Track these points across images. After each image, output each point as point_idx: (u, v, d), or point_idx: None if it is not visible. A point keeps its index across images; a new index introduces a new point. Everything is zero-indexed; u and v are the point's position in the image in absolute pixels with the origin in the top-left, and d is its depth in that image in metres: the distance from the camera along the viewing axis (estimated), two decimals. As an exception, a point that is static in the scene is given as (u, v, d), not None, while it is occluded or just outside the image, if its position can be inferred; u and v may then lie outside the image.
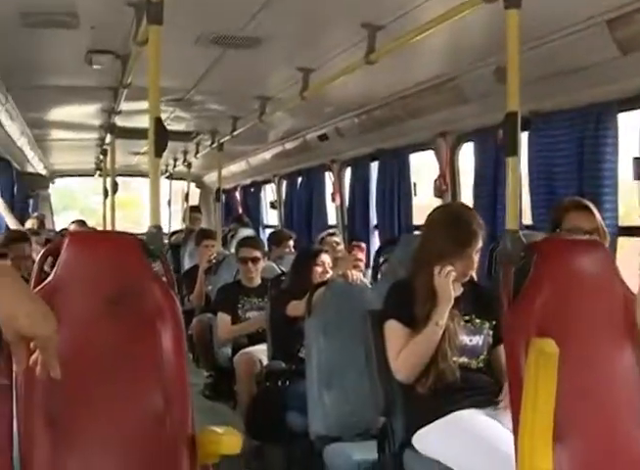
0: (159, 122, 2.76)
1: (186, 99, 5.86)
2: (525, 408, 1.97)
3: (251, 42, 4.05)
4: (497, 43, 2.60)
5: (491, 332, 2.89)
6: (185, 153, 9.34)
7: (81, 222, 9.25)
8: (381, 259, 3.50)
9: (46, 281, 2.47)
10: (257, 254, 5.20)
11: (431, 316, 2.77)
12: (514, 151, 2.29)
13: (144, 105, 5.44)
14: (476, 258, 2.85)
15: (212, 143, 7.52)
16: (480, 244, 2.84)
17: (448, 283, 2.77)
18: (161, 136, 2.76)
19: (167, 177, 10.97)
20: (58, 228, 9.86)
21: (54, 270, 2.50)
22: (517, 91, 2.37)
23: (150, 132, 2.74)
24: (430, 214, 2.98)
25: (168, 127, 6.84)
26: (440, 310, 2.77)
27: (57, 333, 1.40)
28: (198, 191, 11.98)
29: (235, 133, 6.62)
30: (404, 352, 2.78)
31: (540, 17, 3.04)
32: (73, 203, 18.46)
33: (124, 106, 5.71)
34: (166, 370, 2.41)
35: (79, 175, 12.04)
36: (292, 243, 6.34)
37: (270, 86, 5.25)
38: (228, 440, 2.27)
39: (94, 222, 9.56)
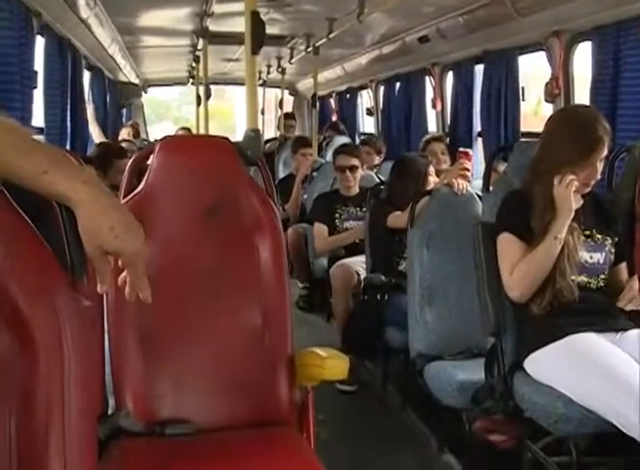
0: (255, 16, 2.58)
1: (281, -1, 5.62)
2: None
3: None
4: None
5: (613, 249, 2.66)
6: (279, 59, 9.13)
7: (187, 130, 9.21)
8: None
9: (135, 191, 2.33)
10: (355, 162, 5.01)
11: (549, 229, 2.55)
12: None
13: (237, 6, 5.27)
14: (600, 166, 2.59)
15: (307, 47, 7.28)
16: (605, 151, 2.58)
17: (569, 193, 2.53)
18: (259, 31, 2.58)
19: (261, 85, 10.79)
20: (152, 139, 9.84)
21: (144, 179, 2.36)
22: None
23: (246, 26, 2.56)
24: (550, 118, 2.71)
25: (263, 31, 6.60)
26: (560, 223, 2.54)
27: (146, 248, 1.24)
28: (291, 99, 11.79)
29: (331, 36, 6.36)
30: (519, 268, 2.57)
31: None
32: (167, 113, 18.61)
33: (217, 8, 5.51)
34: (265, 285, 2.27)
35: (172, 84, 11.93)
36: None
37: (369, -17, 4.97)
38: (333, 364, 2.11)
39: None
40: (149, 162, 2.36)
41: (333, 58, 8.25)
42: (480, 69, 5.46)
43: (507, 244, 2.63)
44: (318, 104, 9.21)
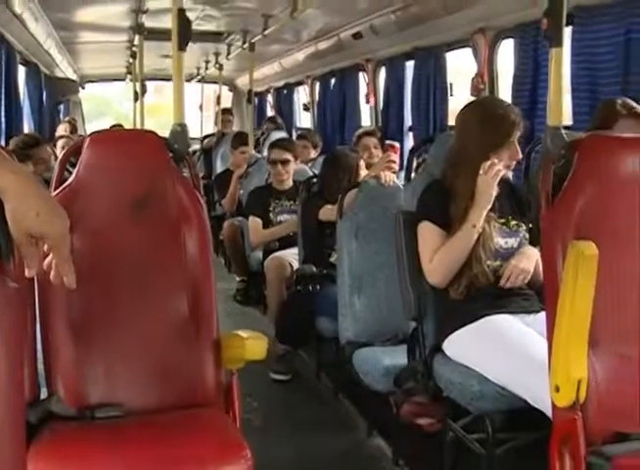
0: (181, 14, 2.64)
1: (216, -5, 5.67)
2: (561, 313, 1.88)
3: None
4: None
5: (527, 235, 2.79)
6: (217, 55, 9.16)
7: (119, 126, 9.17)
8: (415, 160, 3.37)
9: (66, 183, 2.40)
10: (288, 156, 5.11)
11: (467, 218, 2.67)
12: (559, 42, 2.14)
13: (170, 3, 5.29)
14: (518, 146, 2.74)
15: (244, 43, 7.34)
16: (520, 130, 2.74)
17: (493, 183, 2.65)
18: (185, 28, 2.64)
19: (199, 81, 10.80)
20: (91, 134, 9.76)
21: (74, 172, 2.42)
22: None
23: (172, 24, 2.62)
24: (463, 110, 2.85)
25: (199, 28, 6.72)
26: (478, 211, 2.66)
27: (70, 233, 1.32)
28: (230, 95, 11.82)
29: (266, 32, 6.42)
30: (438, 255, 2.69)
31: None
32: (108, 109, 18.43)
33: (151, 4, 5.55)
34: (192, 273, 2.36)
35: (110, 80, 11.87)
36: None
37: (303, -20, 5.05)
38: (252, 344, 2.23)
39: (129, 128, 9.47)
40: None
41: (270, 54, 8.31)
42: (410, 64, 5.59)
43: (427, 232, 2.74)
44: (257, 99, 9.27)
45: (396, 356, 3.12)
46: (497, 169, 2.65)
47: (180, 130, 2.52)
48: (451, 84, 4.98)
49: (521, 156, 2.77)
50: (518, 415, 2.51)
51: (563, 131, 2.12)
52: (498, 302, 2.66)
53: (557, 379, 1.93)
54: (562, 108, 2.15)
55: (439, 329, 2.74)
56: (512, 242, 2.76)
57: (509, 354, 2.45)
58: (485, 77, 4.41)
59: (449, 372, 2.63)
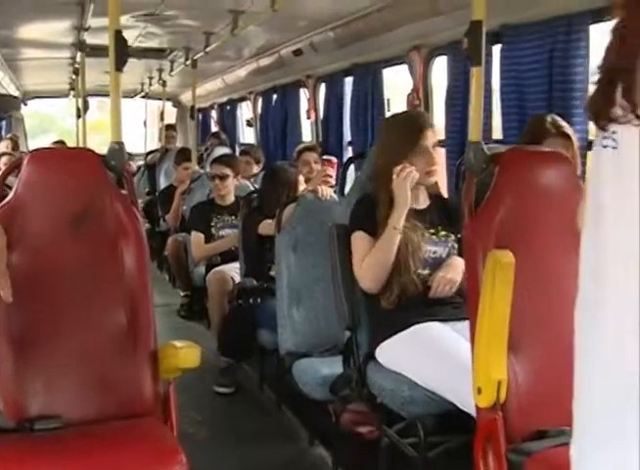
0: (118, 35, 2.69)
1: (157, 14, 5.70)
2: (482, 318, 1.99)
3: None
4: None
5: (456, 244, 2.90)
6: (160, 71, 9.18)
7: (61, 143, 9.13)
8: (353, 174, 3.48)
9: (5, 200, 2.44)
10: (227, 171, 5.17)
11: (388, 221, 2.79)
12: (478, 61, 2.25)
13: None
14: (435, 154, 2.86)
15: (186, 60, 7.38)
16: (433, 138, 2.87)
17: (407, 185, 2.77)
18: (121, 49, 2.69)
19: (143, 97, 10.80)
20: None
21: (14, 189, 2.47)
22: (483, -1, 2.31)
23: (110, 45, 2.67)
24: (381, 124, 3.00)
25: (141, 45, 6.72)
26: (397, 214, 2.78)
27: (10, 249, 1.37)
28: (175, 111, 11.83)
29: (208, 49, 6.48)
30: (366, 259, 2.80)
31: None
32: (52, 126, 18.26)
33: (93, 22, 5.56)
34: (130, 287, 2.41)
35: (53, 96, 11.79)
36: None
37: (241, 0, 5.12)
38: (186, 353, 2.30)
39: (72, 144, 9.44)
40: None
41: (213, 70, 8.36)
42: (350, 80, 5.70)
43: (358, 241, 2.86)
44: (201, 115, 9.29)
45: (334, 366, 3.19)
46: (408, 172, 2.77)
47: (118, 148, 2.58)
48: (388, 100, 5.10)
49: (436, 165, 2.89)
50: (448, 419, 2.60)
51: (484, 145, 2.23)
52: (428, 310, 2.76)
53: (478, 381, 2.03)
54: (489, 126, 2.26)
55: (373, 338, 2.83)
56: (441, 251, 2.87)
57: (437, 360, 2.55)
58: (421, 93, 4.54)
59: (382, 379, 2.73)
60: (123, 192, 2.65)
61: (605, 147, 1.09)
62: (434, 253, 2.85)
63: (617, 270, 1.07)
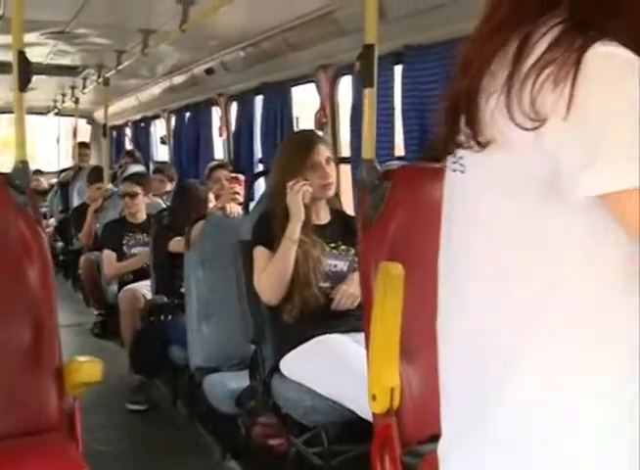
0: (21, 56, 2.72)
1: (67, 32, 5.69)
2: (374, 328, 2.08)
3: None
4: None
5: (357, 258, 2.99)
6: (73, 88, 9.10)
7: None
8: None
9: None
10: (137, 189, 5.20)
11: (285, 233, 2.89)
12: (371, 83, 2.35)
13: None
14: (329, 168, 2.97)
15: (99, 78, 7.35)
16: (324, 153, 2.99)
17: (299, 199, 2.88)
18: (25, 69, 2.72)
19: (56, 114, 10.68)
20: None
21: None
22: (375, 24, 2.41)
23: (13, 65, 2.70)
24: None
25: (53, 62, 6.66)
26: (292, 226, 2.88)
27: None
28: (89, 128, 11.72)
29: (120, 67, 6.48)
30: (266, 272, 2.90)
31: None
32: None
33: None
34: (34, 305, 2.43)
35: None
36: None
37: (152, 19, 5.15)
38: (88, 368, 2.33)
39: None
40: None
41: (126, 88, 8.34)
42: (260, 99, 5.79)
43: (260, 255, 2.95)
44: (115, 133, 9.24)
45: (242, 380, 3.25)
46: (300, 185, 2.88)
47: (22, 167, 2.60)
48: (297, 118, 5.20)
49: (331, 179, 2.99)
50: (351, 427, 2.69)
51: (377, 163, 2.33)
52: (330, 322, 2.86)
53: (373, 388, 2.12)
54: (374, 142, 2.36)
55: (277, 350, 2.91)
56: (341, 265, 2.97)
57: (337, 371, 2.64)
58: (328, 111, 4.64)
59: (286, 390, 2.80)
60: (28, 210, 2.67)
61: (454, 171, 1.17)
62: (335, 267, 2.95)
63: (467, 282, 1.16)
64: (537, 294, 1.05)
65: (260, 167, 5.82)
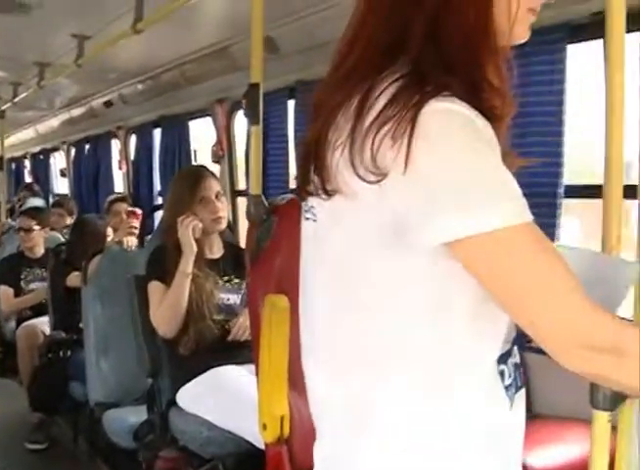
0: None
1: (-38, 64, 5.64)
2: (262, 359, 2.13)
3: (22, 8, 3.98)
4: (266, 14, 2.68)
5: (249, 291, 3.06)
6: (-32, 120, 8.93)
7: None
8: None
9: None
10: (32, 223, 5.14)
11: (178, 267, 2.94)
12: (256, 120, 2.43)
13: None
14: (219, 203, 3.04)
15: (-5, 110, 7.25)
16: (215, 188, 3.07)
17: (189, 233, 2.94)
18: None
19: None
20: None
21: None
22: (260, 63, 2.50)
23: None
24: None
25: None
26: (185, 260, 2.94)
27: None
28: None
29: (16, 100, 6.42)
30: (161, 305, 2.94)
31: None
32: None
33: None
34: None
35: None
36: None
37: (47, 53, 5.13)
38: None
39: None
40: None
41: (24, 120, 8.23)
42: (159, 132, 5.82)
43: (153, 290, 2.99)
44: (14, 165, 9.08)
45: (142, 414, 3.25)
46: (189, 221, 2.95)
47: None
48: (195, 151, 5.25)
49: (221, 214, 3.07)
50: (248, 458, 2.72)
51: (264, 198, 2.40)
52: (225, 354, 2.91)
53: (263, 417, 2.16)
54: (260, 178, 2.43)
55: (174, 383, 2.94)
56: (234, 298, 3.03)
57: (233, 401, 2.69)
58: (224, 145, 4.71)
59: (183, 423, 2.83)
60: None
61: (307, 219, 1.20)
62: (228, 300, 3.01)
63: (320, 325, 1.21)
64: (388, 341, 1.09)
65: (160, 200, 5.84)
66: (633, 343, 1.00)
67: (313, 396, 1.27)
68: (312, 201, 1.16)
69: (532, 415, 1.34)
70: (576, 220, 3.41)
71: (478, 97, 1.05)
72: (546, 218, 2.71)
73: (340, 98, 1.09)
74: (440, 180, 0.98)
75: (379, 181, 1.00)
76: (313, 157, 1.10)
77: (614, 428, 1.70)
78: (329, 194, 1.08)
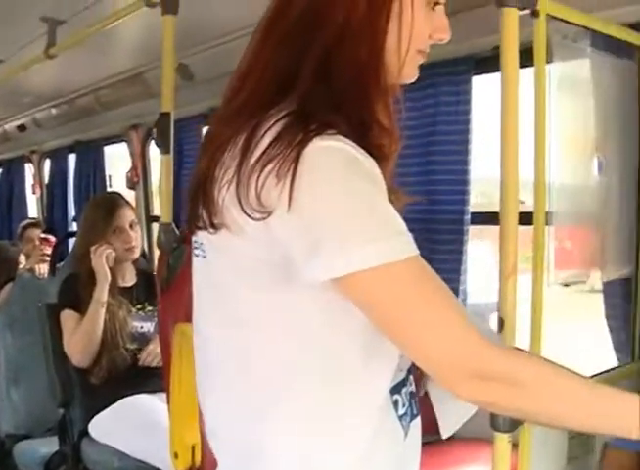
0: None
1: None
2: (173, 388, 2.13)
3: None
4: (178, 41, 2.69)
5: (163, 319, 3.06)
6: None
7: None
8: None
9: None
10: None
11: (93, 296, 2.93)
12: (167, 149, 2.43)
13: None
14: (132, 233, 3.06)
15: None
16: (129, 217, 3.08)
17: (102, 262, 2.94)
18: None
19: None
20: None
21: None
22: (171, 93, 2.51)
23: None
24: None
25: None
26: (99, 289, 2.93)
27: None
28: None
29: None
30: (75, 334, 2.92)
31: (207, 22, 3.22)
32: None
33: None
34: None
35: None
36: None
37: (-42, 75, 5.05)
38: None
39: None
40: None
41: None
42: (73, 157, 5.75)
43: (67, 319, 2.98)
44: None
45: (54, 445, 3.21)
46: (103, 249, 2.95)
47: None
48: (110, 176, 5.21)
49: (134, 243, 3.08)
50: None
51: (174, 227, 2.41)
52: (138, 382, 2.89)
53: (174, 446, 2.17)
54: (171, 207, 2.43)
55: (86, 413, 2.92)
56: (148, 326, 3.03)
57: (143, 431, 2.68)
58: (139, 171, 4.68)
59: (95, 453, 2.81)
60: None
61: (197, 256, 1.18)
62: (142, 328, 3.01)
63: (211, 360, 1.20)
64: (275, 377, 1.10)
65: (75, 226, 5.76)
66: (525, 371, 1.03)
67: (207, 428, 1.26)
68: (201, 236, 1.15)
69: (439, 438, 1.37)
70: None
71: (365, 135, 1.07)
72: (455, 245, 2.78)
73: (228, 134, 1.09)
74: (323, 218, 0.99)
75: (264, 219, 1.01)
76: (201, 192, 1.11)
77: (515, 446, 1.77)
78: (217, 229, 1.08)
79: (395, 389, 1.15)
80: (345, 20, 1.09)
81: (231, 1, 3.27)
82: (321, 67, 1.08)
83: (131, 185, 4.67)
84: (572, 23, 2.03)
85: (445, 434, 1.34)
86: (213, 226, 1.08)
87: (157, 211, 4.67)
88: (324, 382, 1.10)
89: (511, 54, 1.74)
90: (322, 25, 1.09)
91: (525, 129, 1.82)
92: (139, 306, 3.03)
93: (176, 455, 2.17)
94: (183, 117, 4.14)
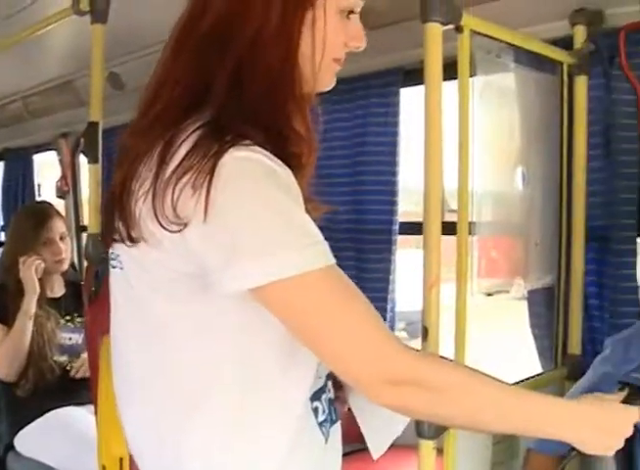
0: None
1: None
2: (100, 400, 2.11)
3: None
4: (109, 50, 2.67)
5: (90, 331, 3.02)
6: None
7: None
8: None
9: None
10: None
11: (21, 308, 2.88)
12: (95, 159, 2.42)
13: None
14: (62, 245, 3.02)
15: None
16: (59, 229, 3.05)
17: (31, 274, 2.90)
18: None
19: None
20: None
21: None
22: (100, 102, 2.49)
23: None
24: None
25: None
26: (27, 300, 2.89)
27: None
28: None
29: None
30: (1, 348, 2.87)
31: (139, 30, 3.20)
32: None
33: None
34: None
35: None
36: None
37: None
38: None
39: None
40: None
41: None
42: (1, 165, 5.65)
43: None
44: None
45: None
46: (32, 261, 2.91)
47: None
48: (39, 185, 5.13)
49: (64, 255, 3.04)
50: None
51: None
52: (66, 395, 2.86)
53: (102, 459, 2.15)
54: (99, 217, 2.40)
55: (11, 427, 2.86)
56: (77, 337, 2.99)
57: (72, 444, 2.65)
58: (69, 180, 4.62)
59: (21, 468, 2.76)
60: None
61: (114, 267, 1.18)
62: (70, 339, 2.97)
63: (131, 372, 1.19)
64: (193, 386, 1.10)
65: (2, 236, 5.66)
66: (441, 376, 1.05)
67: (128, 438, 1.25)
68: (118, 249, 1.15)
69: (364, 447, 1.38)
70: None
71: (281, 145, 1.07)
72: (383, 254, 2.82)
73: (143, 147, 1.09)
74: (238, 228, 1.00)
75: (180, 230, 1.01)
76: (117, 205, 1.10)
77: (440, 452, 1.80)
78: (134, 241, 1.08)
79: (315, 396, 1.16)
80: (257, 31, 1.09)
81: (163, 10, 3.25)
82: (234, 78, 1.09)
83: (61, 194, 4.61)
84: (496, 39, 2.08)
85: (376, 455, 1.33)
86: (131, 239, 1.08)
87: (87, 220, 4.62)
88: (242, 392, 1.10)
89: (434, 68, 1.78)
90: (234, 37, 1.10)
91: (450, 141, 1.85)
92: (68, 318, 2.99)
93: (104, 468, 2.15)
94: (114, 126, 4.10)
